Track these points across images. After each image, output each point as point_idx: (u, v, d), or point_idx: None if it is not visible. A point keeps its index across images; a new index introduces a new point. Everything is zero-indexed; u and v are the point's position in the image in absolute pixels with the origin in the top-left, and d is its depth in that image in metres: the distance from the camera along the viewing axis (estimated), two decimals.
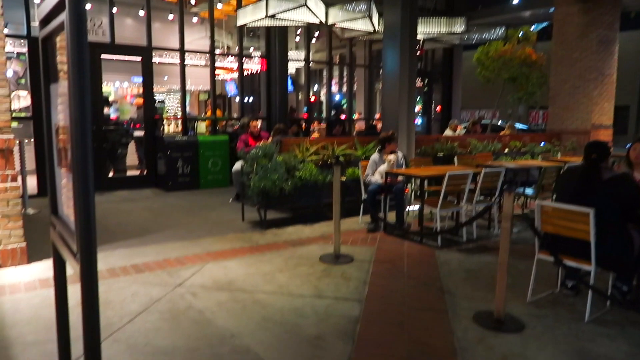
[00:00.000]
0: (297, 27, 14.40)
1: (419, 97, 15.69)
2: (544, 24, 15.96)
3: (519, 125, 16.35)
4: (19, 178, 4.94)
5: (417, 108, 14.33)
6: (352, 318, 3.69)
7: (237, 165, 7.77)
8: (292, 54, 14.99)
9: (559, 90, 11.11)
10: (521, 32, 13.31)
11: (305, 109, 14.40)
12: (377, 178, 6.46)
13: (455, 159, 7.82)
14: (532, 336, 3.46)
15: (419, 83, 15.53)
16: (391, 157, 6.40)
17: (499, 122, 16.35)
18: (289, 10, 8.30)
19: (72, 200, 1.73)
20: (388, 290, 4.28)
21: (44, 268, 4.62)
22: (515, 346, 3.31)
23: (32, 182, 7.92)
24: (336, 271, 4.75)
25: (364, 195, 6.63)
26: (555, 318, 3.77)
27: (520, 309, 3.90)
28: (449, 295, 4.17)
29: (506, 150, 9.58)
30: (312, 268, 4.83)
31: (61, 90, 1.96)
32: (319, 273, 4.69)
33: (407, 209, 6.62)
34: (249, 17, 9.12)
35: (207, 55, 11.14)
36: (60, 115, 2.00)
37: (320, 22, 9.07)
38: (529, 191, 7.43)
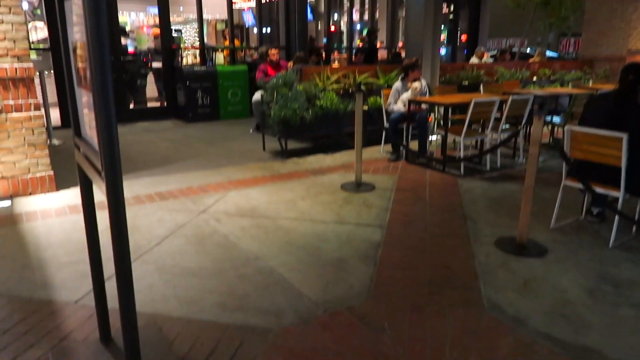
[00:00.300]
0: None
1: (443, 25, 14.97)
2: None
3: (549, 53, 15.63)
4: (42, 109, 4.95)
5: (442, 37, 13.70)
6: (373, 243, 3.73)
7: (257, 95, 7.67)
8: None
9: (594, 13, 10.46)
10: None
11: (325, 39, 13.93)
12: (399, 106, 6.31)
13: (481, 87, 7.56)
14: (554, 261, 3.46)
15: (444, 9, 14.78)
16: (415, 84, 6.20)
17: (528, 50, 15.65)
18: None
19: (94, 120, 1.71)
20: (409, 217, 4.29)
21: (72, 195, 4.74)
22: (537, 270, 3.32)
23: (54, 114, 7.98)
24: (357, 199, 4.77)
25: (385, 124, 6.51)
26: (579, 244, 3.75)
27: (543, 235, 3.88)
28: (471, 222, 4.17)
29: (535, 79, 9.21)
30: (334, 196, 4.85)
31: (76, 9, 1.88)
32: (341, 201, 4.71)
33: (429, 139, 6.51)
34: None
35: None
36: (77, 33, 1.94)
37: None
38: (557, 119, 7.20)
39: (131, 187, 5.02)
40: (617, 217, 3.70)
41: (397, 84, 6.42)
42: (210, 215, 4.28)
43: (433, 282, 3.14)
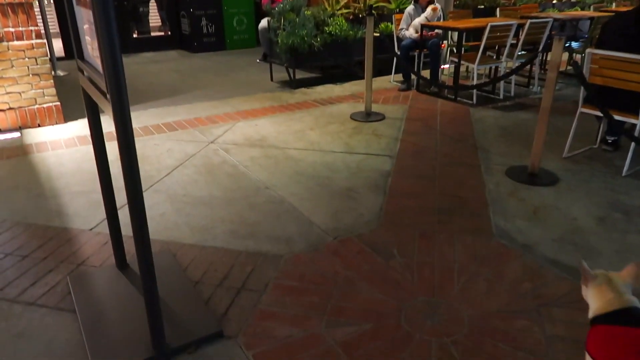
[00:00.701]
0: None
1: None
2: None
3: None
4: (44, 38, 4.82)
5: None
6: (383, 172, 3.72)
7: (264, 22, 7.37)
8: None
9: None
10: None
11: None
12: (411, 32, 6.06)
13: (498, 11, 7.21)
14: (565, 189, 3.44)
15: None
16: (429, 9, 5.92)
17: None
18: None
19: (96, 41, 1.64)
20: (420, 147, 4.24)
21: (81, 127, 4.73)
22: (547, 198, 3.31)
23: (57, 45, 7.79)
24: (367, 128, 4.71)
25: (397, 51, 6.29)
26: (591, 172, 3.71)
27: (555, 163, 3.84)
28: (482, 152, 4.12)
29: (554, 2, 8.76)
30: (343, 126, 4.79)
31: None
32: (350, 130, 4.65)
33: (441, 67, 6.31)
34: None
35: None
36: None
37: None
38: (575, 45, 6.91)
39: (139, 119, 4.98)
40: (632, 145, 3.63)
41: (410, 8, 6.14)
42: (219, 145, 4.26)
43: (442, 210, 3.15)
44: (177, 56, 8.81)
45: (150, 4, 9.76)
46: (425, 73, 6.10)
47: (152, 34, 9.96)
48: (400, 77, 6.42)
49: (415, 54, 6.11)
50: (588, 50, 3.67)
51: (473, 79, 5.58)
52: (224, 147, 4.21)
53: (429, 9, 5.87)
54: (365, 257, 2.65)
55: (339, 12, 6.47)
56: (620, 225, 2.96)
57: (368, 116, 4.99)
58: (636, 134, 3.55)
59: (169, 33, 9.56)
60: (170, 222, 3.00)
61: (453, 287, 2.40)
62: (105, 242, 2.74)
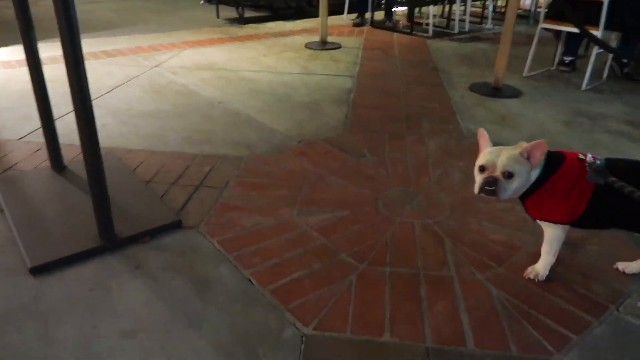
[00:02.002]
0: None
1: None
2: None
3: None
4: None
5: None
6: (345, 89, 3.52)
7: None
8: None
9: None
10: None
11: None
12: None
13: None
14: (529, 100, 3.39)
15: None
16: None
17: None
18: None
19: None
20: (380, 70, 4.07)
21: (4, 54, 4.19)
22: (513, 108, 3.24)
23: None
24: (324, 55, 4.47)
25: None
26: (552, 88, 3.69)
27: (517, 82, 3.78)
28: (444, 73, 4.00)
29: None
30: (298, 53, 4.53)
31: None
32: (306, 57, 4.40)
33: (395, 8, 6.13)
34: None
35: None
36: None
37: None
38: None
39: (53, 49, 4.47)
40: (591, 60, 3.62)
41: None
42: (165, 69, 3.89)
43: (410, 118, 3.00)
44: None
45: None
46: (379, 15, 5.92)
47: None
48: (353, 16, 6.18)
49: None
50: None
51: (430, 13, 5.44)
52: (171, 70, 3.85)
53: None
54: (335, 156, 2.46)
55: None
56: (586, 127, 2.94)
57: (324, 44, 4.75)
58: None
59: None
60: (113, 132, 2.67)
61: (429, 179, 2.26)
62: (37, 149, 2.40)
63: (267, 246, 1.74)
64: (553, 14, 3.73)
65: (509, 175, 1.41)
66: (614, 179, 1.35)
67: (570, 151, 1.50)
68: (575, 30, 3.61)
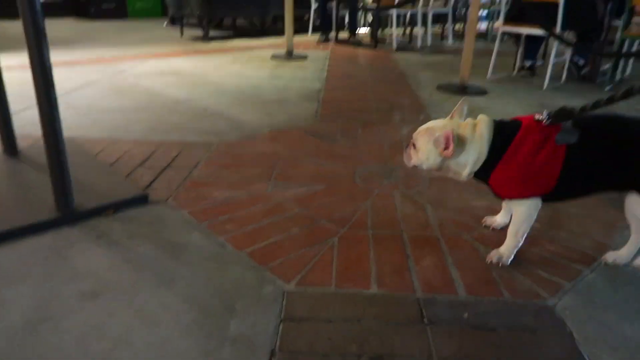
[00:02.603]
0: None
1: None
2: None
3: None
4: None
5: None
6: (314, 89, 3.49)
7: None
8: None
9: None
10: None
11: None
12: None
13: None
14: (495, 97, 3.45)
15: None
16: None
17: None
18: None
19: None
20: (348, 73, 4.08)
21: None
22: (481, 102, 3.28)
23: None
24: (291, 64, 4.47)
25: (314, 5, 6.14)
26: (515, 87, 3.78)
27: (482, 83, 3.85)
28: (410, 77, 4.04)
29: None
30: (265, 62, 4.51)
31: None
32: (273, 65, 4.39)
33: (358, 29, 6.25)
34: None
35: None
36: None
37: None
38: None
39: (21, 58, 4.30)
40: (550, 62, 3.74)
41: None
42: (128, 75, 3.78)
43: (381, 110, 2.99)
44: (72, 22, 7.96)
45: None
46: (344, 34, 6.02)
47: None
48: (317, 36, 6.26)
49: (333, 5, 5.99)
50: None
51: (392, 22, 5.56)
52: (133, 75, 3.74)
53: None
54: (307, 141, 2.39)
55: None
56: None
57: (290, 55, 4.75)
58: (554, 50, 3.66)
59: None
60: (72, 125, 2.52)
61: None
62: None
63: (241, 215, 1.63)
64: (512, 16, 3.85)
65: (415, 146, 1.38)
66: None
67: (525, 115, 1.35)
68: (533, 32, 3.75)
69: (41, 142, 1.52)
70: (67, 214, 1.55)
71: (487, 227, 1.60)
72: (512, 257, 1.39)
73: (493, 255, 1.41)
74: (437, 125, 1.37)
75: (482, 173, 1.34)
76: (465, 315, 1.18)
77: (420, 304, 1.22)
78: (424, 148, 1.35)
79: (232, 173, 1.97)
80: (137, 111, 2.79)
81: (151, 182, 1.86)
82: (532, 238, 1.52)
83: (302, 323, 1.14)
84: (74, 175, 1.57)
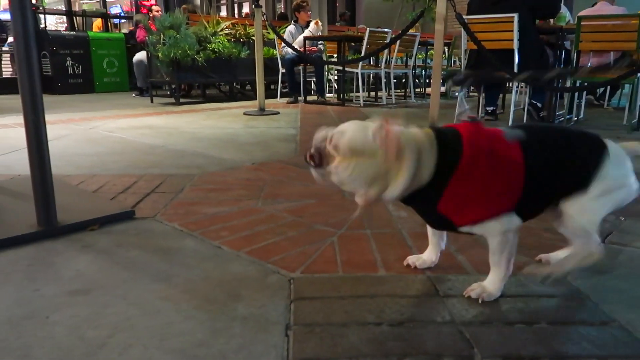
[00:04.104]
0: None
1: None
2: None
3: None
4: None
5: None
6: (290, 134, 3.54)
7: (139, 55, 7.08)
8: None
9: None
10: None
11: None
12: (295, 47, 6.22)
13: None
14: None
15: None
16: (312, 23, 6.17)
17: None
18: None
19: None
20: (320, 123, 4.15)
21: None
22: None
23: None
24: (264, 118, 4.55)
25: (282, 70, 6.38)
26: None
27: None
28: None
29: None
30: (239, 117, 4.58)
31: None
32: (247, 119, 4.45)
33: (326, 92, 6.52)
34: None
35: None
36: None
37: None
38: None
39: None
40: (511, 110, 3.97)
41: (290, 28, 6.36)
42: (101, 129, 3.75)
43: None
44: None
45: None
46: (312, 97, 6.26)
47: (6, 75, 8.97)
48: (286, 99, 6.46)
49: (300, 68, 6.25)
50: (465, 16, 4.02)
51: (358, 79, 5.81)
52: (106, 130, 3.71)
53: (312, 24, 6.13)
54: (291, 169, 2.39)
55: (220, 32, 6.45)
56: None
57: (262, 111, 4.85)
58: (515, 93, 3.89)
59: None
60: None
61: None
62: None
63: (234, 224, 1.58)
64: (471, 65, 4.11)
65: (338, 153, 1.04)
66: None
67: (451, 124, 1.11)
68: (492, 78, 3.99)
69: (15, 179, 1.47)
70: (50, 228, 1.46)
71: (409, 266, 1.25)
72: (499, 292, 1.10)
73: (473, 290, 1.11)
74: (362, 122, 1.07)
75: (422, 197, 1.02)
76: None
77: (432, 281, 1.18)
78: (358, 150, 1.01)
79: (219, 194, 1.93)
80: (113, 154, 2.74)
81: (136, 204, 1.79)
82: (531, 226, 1.52)
83: (314, 301, 1.08)
84: (56, 198, 1.50)
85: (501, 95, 4.97)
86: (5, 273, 1.22)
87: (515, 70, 3.85)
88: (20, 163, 2.43)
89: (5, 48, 9.38)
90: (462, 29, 3.98)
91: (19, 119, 4.64)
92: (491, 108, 4.47)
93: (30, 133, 1.46)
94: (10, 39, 9.45)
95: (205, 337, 0.94)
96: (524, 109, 4.30)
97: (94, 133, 3.53)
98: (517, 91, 4.10)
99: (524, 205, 1.03)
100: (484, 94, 4.47)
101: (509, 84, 5.38)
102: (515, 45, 3.78)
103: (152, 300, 1.08)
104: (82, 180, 2.12)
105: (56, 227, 1.47)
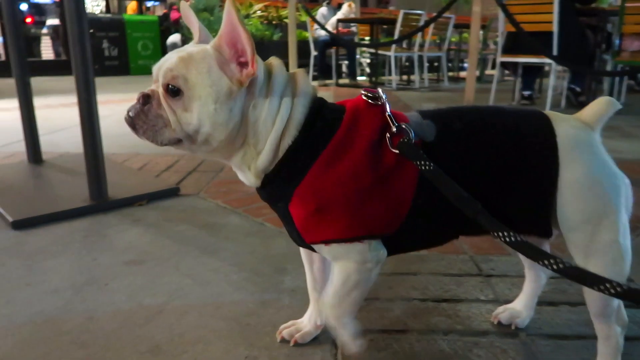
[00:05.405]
0: None
1: None
2: None
3: None
4: None
5: None
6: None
7: (173, 38, 7.20)
8: None
9: None
10: None
11: None
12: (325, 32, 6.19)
13: None
14: None
15: None
16: (345, 5, 6.13)
17: None
18: None
19: None
20: None
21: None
22: None
23: None
24: None
25: (314, 52, 6.37)
26: None
27: None
28: (414, 107, 4.13)
29: None
30: None
31: None
32: None
33: (358, 76, 6.49)
34: None
35: None
36: None
37: None
38: None
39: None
40: (549, 96, 3.88)
41: (323, 9, 6.33)
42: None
43: None
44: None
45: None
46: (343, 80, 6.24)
47: (45, 57, 9.25)
48: (317, 82, 6.46)
49: (332, 51, 6.23)
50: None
51: (391, 64, 5.76)
52: None
53: (344, 6, 6.09)
54: None
55: (253, 15, 6.48)
56: None
57: None
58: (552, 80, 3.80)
59: (65, 58, 8.92)
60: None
61: None
62: (11, 154, 2.24)
63: None
64: (509, 48, 4.02)
65: (173, 91, 0.67)
66: None
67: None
68: (530, 61, 3.90)
69: (64, 156, 1.54)
70: (102, 202, 1.53)
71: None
72: (316, 333, 0.87)
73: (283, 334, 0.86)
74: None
75: (279, 176, 0.71)
76: None
77: (474, 260, 1.20)
78: (203, 80, 0.66)
79: None
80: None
81: (180, 181, 1.85)
82: None
83: None
84: (105, 172, 1.57)
85: (538, 80, 4.86)
86: (64, 243, 1.29)
87: (555, 53, 3.75)
88: (67, 141, 2.54)
89: (44, 31, 9.63)
90: (500, 11, 3.90)
91: (62, 99, 4.83)
92: (528, 92, 4.37)
93: (83, 111, 1.52)
94: (50, 22, 9.71)
95: (255, 307, 0.98)
96: (561, 93, 4.19)
97: None
98: (555, 75, 3.99)
99: (413, 226, 0.70)
100: (520, 78, 4.37)
101: (546, 68, 5.24)
102: (555, 27, 3.67)
103: (203, 272, 1.13)
104: (126, 159, 2.20)
105: (107, 202, 1.54)
